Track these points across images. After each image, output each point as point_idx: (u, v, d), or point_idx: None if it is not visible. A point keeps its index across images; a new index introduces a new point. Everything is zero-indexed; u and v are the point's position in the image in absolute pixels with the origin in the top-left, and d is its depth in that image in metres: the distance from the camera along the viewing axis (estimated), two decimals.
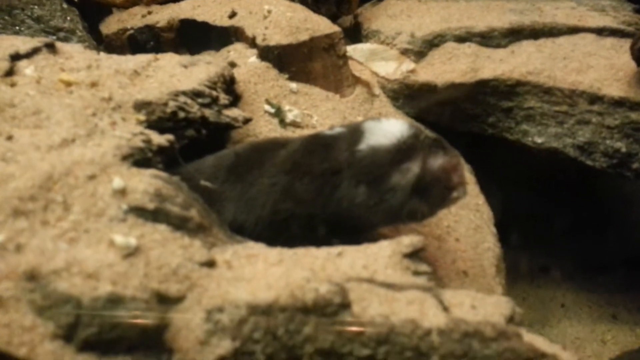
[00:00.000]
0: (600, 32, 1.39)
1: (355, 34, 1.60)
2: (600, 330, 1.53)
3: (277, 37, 1.29)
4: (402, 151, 0.87)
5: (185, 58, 1.15)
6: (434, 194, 0.88)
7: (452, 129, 1.43)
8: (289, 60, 1.30)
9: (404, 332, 0.71)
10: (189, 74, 1.09)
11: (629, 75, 1.25)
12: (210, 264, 0.72)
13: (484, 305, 0.80)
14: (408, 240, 0.84)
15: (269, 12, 1.35)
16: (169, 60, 1.12)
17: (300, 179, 0.90)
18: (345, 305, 0.71)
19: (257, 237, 0.88)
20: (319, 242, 0.86)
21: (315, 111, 1.26)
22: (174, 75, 1.07)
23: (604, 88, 1.24)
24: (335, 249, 0.82)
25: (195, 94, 1.02)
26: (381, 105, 1.35)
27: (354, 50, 1.44)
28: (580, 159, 1.25)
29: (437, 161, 0.88)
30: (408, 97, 1.37)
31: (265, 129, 1.19)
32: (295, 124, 1.21)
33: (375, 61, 1.40)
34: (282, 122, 1.20)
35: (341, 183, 0.89)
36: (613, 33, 1.39)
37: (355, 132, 0.91)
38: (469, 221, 1.15)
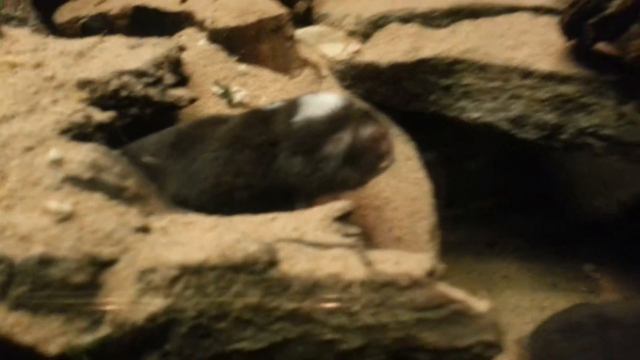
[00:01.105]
0: (537, 10, 1.46)
1: (309, 18, 1.65)
2: (539, 298, 1.62)
3: (225, 20, 1.33)
4: (335, 122, 0.93)
5: (132, 40, 1.18)
6: (364, 162, 0.95)
7: (397, 108, 1.50)
8: (238, 42, 1.34)
9: (327, 285, 0.77)
10: (134, 55, 1.12)
11: (560, 51, 1.33)
12: (145, 229, 0.77)
13: (406, 261, 0.87)
14: (339, 205, 0.90)
15: None
16: (115, 42, 1.15)
17: (240, 152, 0.95)
18: (274, 263, 0.77)
19: (200, 210, 0.93)
20: (259, 211, 0.91)
21: (263, 92, 1.31)
22: (119, 55, 1.10)
23: (535, 63, 1.31)
24: (270, 215, 0.88)
25: (139, 74, 1.06)
26: (329, 86, 1.40)
27: (304, 33, 1.49)
28: (512, 131, 1.32)
29: (367, 131, 0.94)
30: (354, 77, 1.42)
31: (213, 109, 1.23)
32: (243, 105, 1.25)
33: (324, 43, 1.45)
34: (230, 103, 1.25)
35: (279, 154, 0.95)
36: (548, 11, 1.46)
37: (292, 106, 0.97)
38: (407, 193, 1.21)
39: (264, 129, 0.95)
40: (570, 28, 1.23)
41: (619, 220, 1.86)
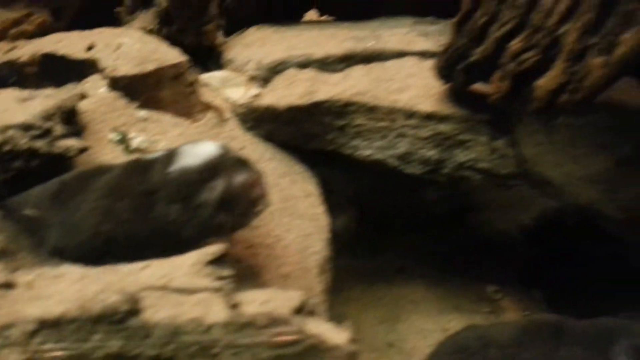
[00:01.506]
0: (423, 55, 1.59)
1: (218, 62, 1.73)
2: (444, 320, 1.71)
3: (124, 68, 1.39)
4: (209, 170, 1.00)
5: (25, 92, 1.21)
6: (238, 207, 1.01)
7: (300, 147, 1.59)
8: (138, 89, 1.39)
9: (188, 330, 0.82)
10: (23, 108, 1.15)
11: (439, 93, 1.45)
12: (9, 285, 0.79)
13: (274, 300, 0.93)
14: (211, 249, 0.96)
15: (121, 44, 1.44)
16: (5, 96, 1.18)
17: (120, 201, 1.00)
18: (134, 312, 0.81)
19: (80, 260, 0.96)
20: (139, 259, 0.95)
21: (163, 137, 1.36)
22: (6, 110, 1.13)
23: (417, 104, 1.43)
24: (142, 263, 0.92)
25: (25, 127, 1.09)
26: (231, 129, 1.47)
27: (209, 77, 1.57)
28: (400, 167, 1.43)
29: (240, 178, 1.01)
30: (256, 120, 1.50)
31: (110, 156, 1.27)
32: (140, 150, 1.30)
33: (227, 87, 1.52)
34: (127, 149, 1.29)
35: (156, 202, 1.00)
36: (433, 55, 1.59)
37: (169, 156, 1.03)
38: (301, 229, 1.29)
39: (142, 178, 1.01)
40: (443, 73, 1.37)
41: (520, 242, 2.01)
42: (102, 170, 1.06)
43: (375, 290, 1.90)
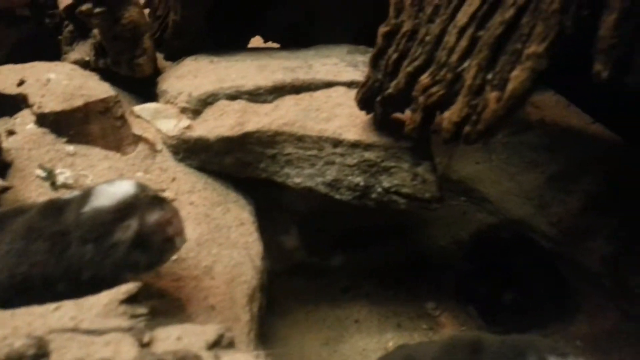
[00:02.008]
0: (350, 85, 1.67)
1: (153, 93, 1.75)
2: (385, 339, 1.77)
3: (51, 104, 1.40)
4: (122, 210, 1.02)
5: None
6: (152, 246, 1.04)
7: (234, 175, 1.62)
8: (66, 125, 1.41)
9: None
10: None
11: (364, 122, 1.53)
12: None
13: (189, 336, 0.96)
14: (125, 288, 0.98)
15: (49, 80, 1.45)
16: None
17: (34, 242, 1.01)
18: (41, 355, 0.82)
19: None
20: (55, 300, 0.96)
21: (91, 171, 1.37)
22: None
23: (344, 133, 1.49)
24: (54, 305, 0.93)
25: None
26: (163, 160, 1.50)
27: (142, 109, 1.59)
28: (330, 194, 1.49)
29: (153, 217, 1.04)
30: (187, 150, 1.53)
31: (36, 193, 1.27)
32: (67, 186, 1.31)
33: (159, 119, 1.55)
34: (54, 185, 1.30)
35: (71, 243, 1.01)
36: (359, 85, 1.67)
37: (84, 196, 1.05)
38: (230, 259, 1.32)
39: (56, 219, 1.02)
40: (363, 104, 1.44)
41: (458, 258, 2.09)
42: (20, 210, 1.07)
43: (320, 311, 1.94)
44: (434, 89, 1.27)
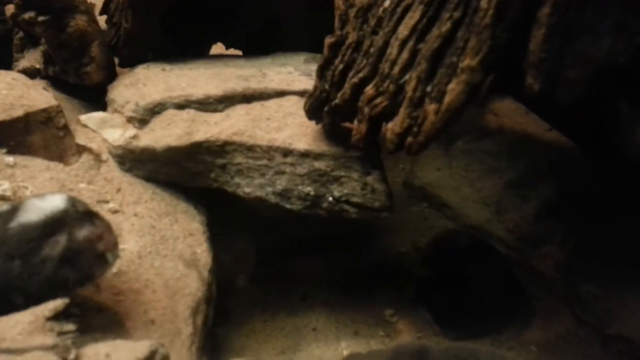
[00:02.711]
0: (303, 94, 1.66)
1: (101, 102, 1.72)
2: (342, 347, 1.76)
3: None
4: (50, 226, 1.00)
5: None
6: (82, 262, 1.02)
7: (185, 185, 1.60)
8: (5, 135, 1.37)
9: None
10: None
11: (314, 131, 1.52)
12: None
13: (118, 352, 0.94)
14: (52, 305, 0.95)
15: None
16: None
17: None
18: None
19: None
20: None
21: (32, 182, 1.33)
22: None
23: (294, 143, 1.49)
24: None
25: None
26: (108, 170, 1.47)
27: (88, 118, 1.55)
28: (280, 204, 1.48)
29: (82, 232, 1.02)
30: (134, 160, 1.50)
31: None
32: (4, 198, 1.27)
33: (105, 128, 1.52)
34: None
35: None
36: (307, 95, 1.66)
37: (12, 211, 1.02)
38: (173, 271, 1.29)
39: None
40: (310, 114, 1.44)
41: (416, 264, 2.10)
42: None
43: (278, 320, 1.92)
44: (377, 100, 1.28)
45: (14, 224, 0.98)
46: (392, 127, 1.22)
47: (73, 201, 1.01)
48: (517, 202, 2.10)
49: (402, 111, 1.19)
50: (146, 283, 1.22)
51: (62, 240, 0.98)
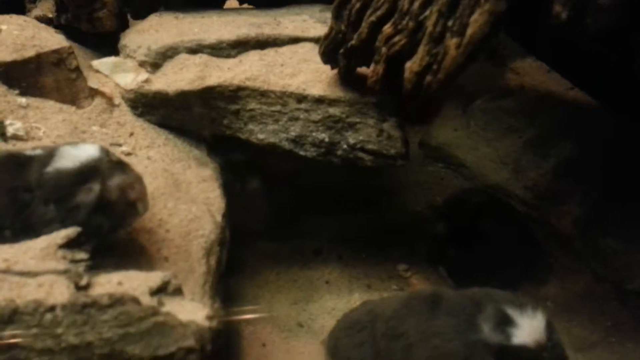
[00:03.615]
0: (317, 41, 1.61)
1: (114, 49, 1.70)
2: (354, 299, 1.75)
3: (1, 55, 1.34)
4: (85, 173, 1.01)
5: None
6: (115, 210, 1.03)
7: (198, 133, 1.58)
8: (17, 76, 1.35)
9: (27, 311, 0.81)
10: None
11: (329, 77, 1.48)
12: None
13: (131, 280, 0.94)
14: (64, 232, 0.95)
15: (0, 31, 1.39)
16: None
17: None
18: None
19: None
20: None
21: (44, 124, 1.32)
22: None
23: (308, 89, 1.45)
24: None
25: None
26: (121, 114, 1.45)
27: (100, 64, 1.54)
28: (294, 150, 1.45)
29: (116, 181, 1.03)
30: (146, 105, 1.48)
31: None
32: (17, 137, 1.26)
33: (118, 73, 1.50)
34: (3, 136, 1.25)
35: (32, 200, 0.99)
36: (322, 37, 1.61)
37: (48, 155, 1.03)
38: (187, 213, 1.29)
39: (18, 174, 1.00)
40: (326, 57, 1.39)
41: (431, 222, 2.07)
42: None
43: (291, 272, 1.93)
44: (396, 39, 1.23)
45: (50, 169, 0.99)
46: (410, 66, 1.17)
47: (106, 151, 1.02)
48: (536, 160, 2.04)
49: (422, 48, 1.15)
50: (159, 223, 1.22)
51: (95, 187, 0.99)
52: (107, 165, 1.04)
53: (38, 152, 1.06)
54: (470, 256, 1.89)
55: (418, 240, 2.08)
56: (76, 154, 1.02)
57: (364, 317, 1.42)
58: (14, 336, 0.79)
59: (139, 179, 1.08)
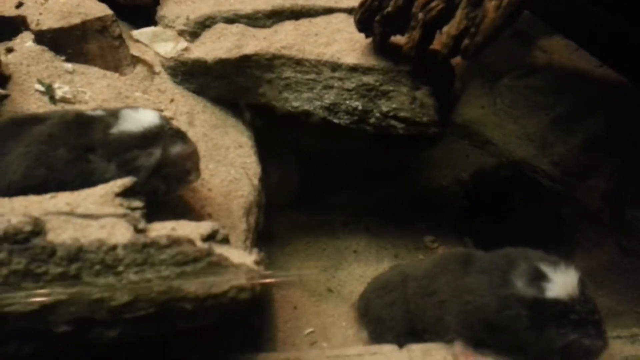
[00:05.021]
0: (351, 11, 1.64)
1: (152, 20, 1.74)
2: (382, 268, 1.79)
3: (49, 22, 1.40)
4: (148, 138, 1.05)
5: None
6: (172, 175, 1.08)
7: (233, 101, 1.62)
8: (64, 42, 1.41)
9: (91, 250, 0.86)
10: None
11: (363, 46, 1.51)
12: None
13: (184, 228, 0.98)
14: (121, 182, 1.00)
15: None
16: None
17: (55, 149, 1.03)
18: (38, 233, 0.85)
19: None
20: None
21: (90, 88, 1.38)
22: None
23: (342, 57, 1.48)
24: (50, 194, 0.96)
25: None
26: (161, 82, 1.50)
27: (140, 33, 1.58)
28: (328, 118, 1.49)
29: (176, 149, 1.08)
30: (185, 73, 1.53)
31: (35, 105, 1.29)
32: (65, 100, 1.32)
33: (157, 42, 1.54)
34: (52, 99, 1.31)
35: (94, 159, 1.04)
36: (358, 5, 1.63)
37: (111, 117, 1.07)
38: (226, 175, 1.34)
39: (81, 132, 1.05)
40: (362, 25, 1.41)
41: (458, 196, 2.10)
42: (37, 118, 1.08)
43: (320, 242, 1.98)
44: (433, 4, 1.25)
45: (114, 130, 1.03)
46: (447, 30, 1.20)
47: (167, 119, 1.07)
48: (563, 136, 2.05)
49: (459, 12, 1.17)
50: (202, 182, 1.27)
51: (157, 152, 1.03)
52: (169, 133, 1.09)
53: (100, 112, 1.10)
54: (496, 229, 1.91)
55: (445, 213, 2.11)
56: (140, 118, 1.07)
57: (394, 277, 1.45)
58: (77, 272, 0.85)
59: (195, 149, 1.14)
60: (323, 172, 2.00)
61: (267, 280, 0.91)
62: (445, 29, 1.21)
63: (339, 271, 1.80)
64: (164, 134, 1.07)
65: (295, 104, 1.51)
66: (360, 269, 1.82)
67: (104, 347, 0.89)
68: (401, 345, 1.19)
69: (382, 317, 1.37)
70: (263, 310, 1.54)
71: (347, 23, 1.61)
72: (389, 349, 1.18)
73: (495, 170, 2.10)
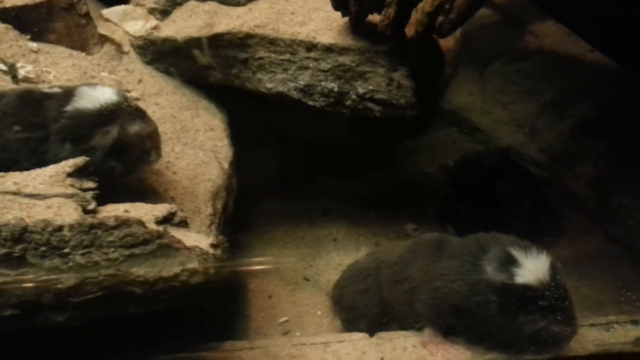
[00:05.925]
0: None
1: None
2: (360, 256, 1.77)
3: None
4: (104, 116, 1.01)
5: None
6: (129, 155, 1.04)
7: (207, 82, 1.58)
8: (29, 21, 1.36)
9: (36, 230, 0.83)
10: None
11: (340, 25, 1.46)
12: None
13: (138, 210, 0.95)
14: (72, 161, 0.97)
15: None
16: None
17: (9, 128, 0.99)
18: None
19: None
20: None
21: (54, 68, 1.33)
22: None
23: (318, 37, 1.43)
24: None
25: None
26: (130, 61, 1.46)
27: (110, 12, 1.53)
28: (303, 100, 1.44)
29: (134, 128, 1.03)
30: (155, 52, 1.48)
31: None
32: (28, 80, 1.27)
33: (127, 21, 1.50)
34: (15, 78, 1.26)
35: (48, 137, 1.01)
36: None
37: (67, 94, 1.03)
38: (193, 158, 1.30)
39: (36, 110, 1.01)
40: (337, 3, 1.37)
41: (441, 183, 2.06)
42: None
43: (299, 230, 1.93)
44: None
45: (69, 107, 0.99)
46: (422, 7, 1.15)
47: (125, 96, 1.02)
48: (552, 122, 2.00)
49: None
50: (167, 165, 1.23)
51: (113, 131, 0.99)
52: (127, 111, 1.04)
53: (56, 90, 1.06)
54: (479, 215, 1.88)
55: (427, 200, 2.07)
56: (96, 96, 1.03)
57: (368, 265, 1.42)
58: (23, 255, 0.81)
59: (155, 128, 1.09)
60: (304, 158, 1.97)
61: (222, 264, 0.88)
62: (419, 5, 1.17)
63: (317, 260, 1.76)
64: (122, 111, 1.03)
65: (269, 85, 1.46)
66: (339, 257, 1.77)
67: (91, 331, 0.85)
68: (372, 333, 1.16)
69: (356, 305, 1.33)
70: (236, 299, 1.51)
71: (325, 1, 1.55)
72: (358, 336, 1.15)
73: (481, 156, 2.06)
